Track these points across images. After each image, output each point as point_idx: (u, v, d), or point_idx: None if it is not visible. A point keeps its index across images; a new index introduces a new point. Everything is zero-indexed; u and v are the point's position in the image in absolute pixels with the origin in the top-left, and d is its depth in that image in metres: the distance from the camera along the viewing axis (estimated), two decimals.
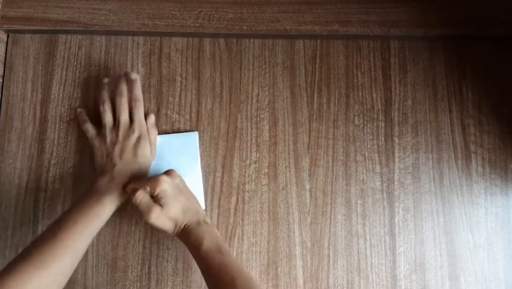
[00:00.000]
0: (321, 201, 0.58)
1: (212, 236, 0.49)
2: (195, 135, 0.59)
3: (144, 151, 0.54)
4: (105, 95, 0.56)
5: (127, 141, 0.53)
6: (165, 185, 0.49)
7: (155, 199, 0.49)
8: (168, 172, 0.52)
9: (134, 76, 0.56)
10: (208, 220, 0.52)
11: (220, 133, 0.59)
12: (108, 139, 0.54)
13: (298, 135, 0.59)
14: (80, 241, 0.47)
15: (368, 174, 0.59)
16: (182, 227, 0.50)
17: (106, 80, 0.57)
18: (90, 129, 0.56)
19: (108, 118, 0.55)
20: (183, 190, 0.52)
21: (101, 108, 0.55)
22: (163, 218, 0.49)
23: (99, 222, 0.49)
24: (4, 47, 0.61)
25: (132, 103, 0.55)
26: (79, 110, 0.58)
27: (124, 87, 0.55)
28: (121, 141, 0.53)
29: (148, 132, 0.56)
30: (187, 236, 0.49)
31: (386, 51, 0.61)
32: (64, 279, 0.45)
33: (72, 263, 0.46)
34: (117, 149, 0.53)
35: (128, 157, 0.53)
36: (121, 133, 0.54)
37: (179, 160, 0.58)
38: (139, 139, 0.54)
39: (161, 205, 0.49)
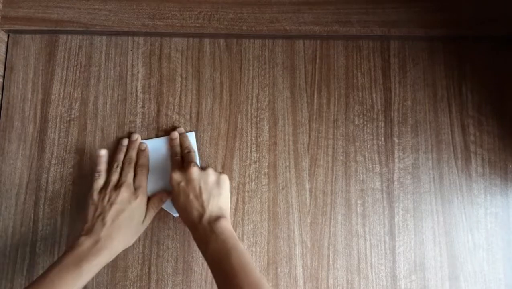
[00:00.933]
0: (321, 201, 0.58)
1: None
2: (191, 136, 0.59)
3: (137, 219, 0.53)
4: (120, 157, 0.57)
5: (126, 206, 0.52)
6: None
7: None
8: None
9: (135, 136, 0.58)
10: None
11: (220, 133, 0.59)
12: (107, 198, 0.52)
13: (298, 135, 0.59)
14: None
15: (368, 174, 0.59)
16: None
17: (125, 142, 0.58)
18: (101, 180, 0.54)
19: (114, 177, 0.54)
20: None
21: (114, 168, 0.55)
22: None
23: (77, 286, 0.47)
24: (4, 47, 0.61)
25: (138, 169, 0.56)
26: (104, 151, 0.56)
27: (133, 154, 0.57)
28: (119, 202, 0.52)
29: (151, 203, 0.55)
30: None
31: (386, 51, 0.61)
32: None
33: None
34: (112, 211, 0.51)
35: (120, 222, 0.51)
36: (121, 194, 0.52)
37: None
38: (138, 206, 0.53)
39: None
